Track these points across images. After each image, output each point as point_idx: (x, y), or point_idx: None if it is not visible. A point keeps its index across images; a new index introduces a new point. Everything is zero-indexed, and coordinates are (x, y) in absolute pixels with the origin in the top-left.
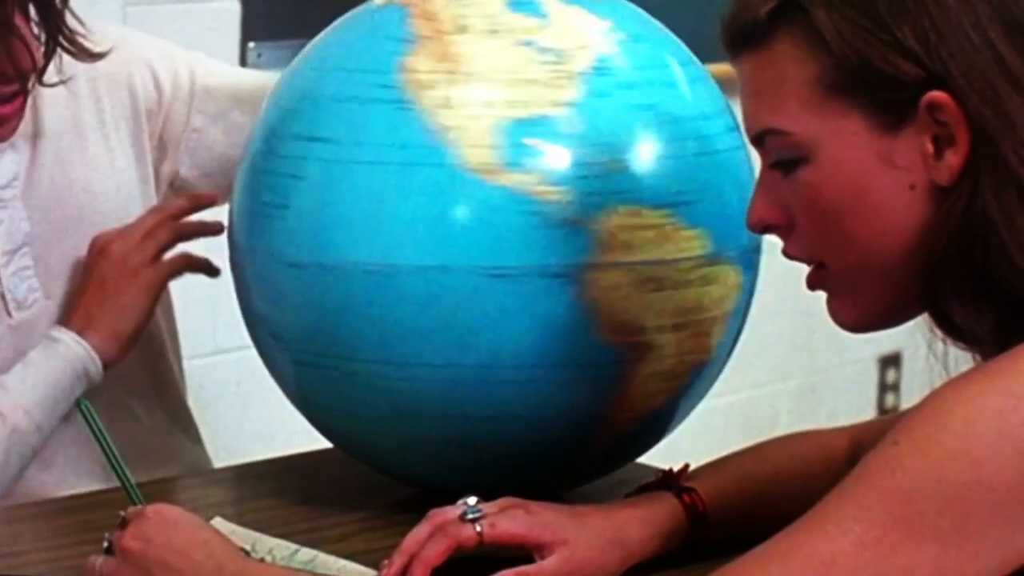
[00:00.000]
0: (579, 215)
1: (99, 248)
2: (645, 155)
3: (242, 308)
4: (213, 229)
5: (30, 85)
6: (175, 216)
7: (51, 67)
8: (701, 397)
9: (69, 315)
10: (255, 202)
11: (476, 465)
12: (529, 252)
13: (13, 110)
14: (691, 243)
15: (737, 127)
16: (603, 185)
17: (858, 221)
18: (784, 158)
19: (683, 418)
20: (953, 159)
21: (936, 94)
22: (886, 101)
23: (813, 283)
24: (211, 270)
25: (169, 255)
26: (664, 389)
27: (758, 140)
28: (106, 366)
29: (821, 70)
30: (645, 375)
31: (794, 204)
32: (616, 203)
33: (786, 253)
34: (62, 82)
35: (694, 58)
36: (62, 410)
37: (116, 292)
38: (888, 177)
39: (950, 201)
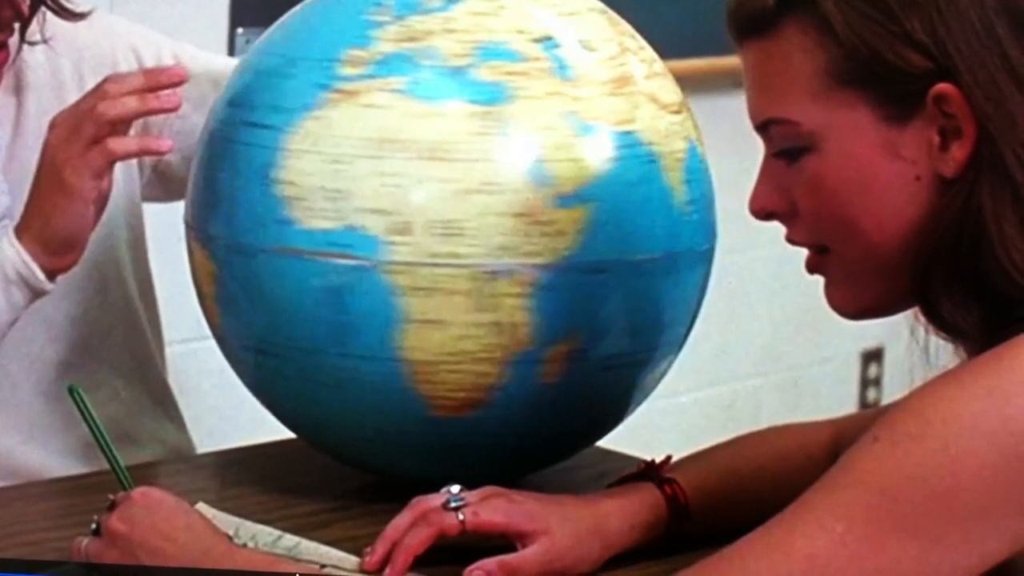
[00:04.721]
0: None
1: (44, 142)
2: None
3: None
4: (161, 109)
5: (12, 40)
6: (108, 98)
7: (34, 25)
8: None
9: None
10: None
11: None
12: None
13: None
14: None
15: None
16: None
17: (862, 210)
18: (789, 147)
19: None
20: (959, 152)
21: (944, 86)
22: (894, 93)
23: (813, 267)
24: (151, 150)
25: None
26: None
27: (762, 128)
28: (52, 275)
29: (829, 61)
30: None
31: (798, 192)
32: None
33: (789, 239)
34: (44, 41)
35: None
36: (2, 321)
37: (44, 193)
38: (894, 168)
39: (951, 193)
